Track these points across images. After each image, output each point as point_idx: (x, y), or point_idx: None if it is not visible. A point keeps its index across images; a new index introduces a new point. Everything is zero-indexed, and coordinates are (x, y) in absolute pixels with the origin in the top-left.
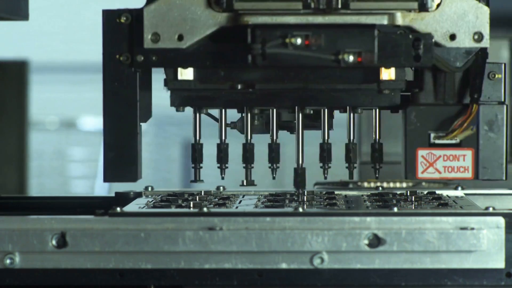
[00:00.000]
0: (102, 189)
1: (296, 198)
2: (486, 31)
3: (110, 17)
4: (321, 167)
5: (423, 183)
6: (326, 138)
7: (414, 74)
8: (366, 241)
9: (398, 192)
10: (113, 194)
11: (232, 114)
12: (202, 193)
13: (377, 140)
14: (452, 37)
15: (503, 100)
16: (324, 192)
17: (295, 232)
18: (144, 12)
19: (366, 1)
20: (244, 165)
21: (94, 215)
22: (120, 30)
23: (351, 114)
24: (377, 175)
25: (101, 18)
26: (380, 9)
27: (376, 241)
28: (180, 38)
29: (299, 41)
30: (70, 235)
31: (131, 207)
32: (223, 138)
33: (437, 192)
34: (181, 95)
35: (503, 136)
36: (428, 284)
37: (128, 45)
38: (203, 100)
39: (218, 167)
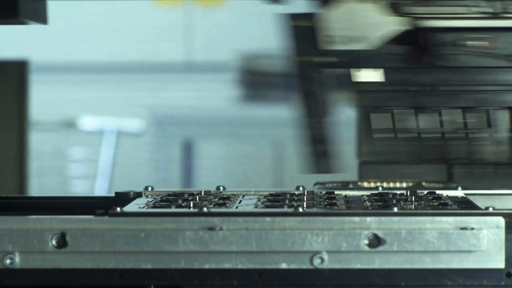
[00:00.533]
0: (102, 189)
1: (296, 198)
2: None
3: (292, 20)
4: None
5: (423, 183)
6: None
7: None
8: (366, 241)
9: (398, 192)
10: (113, 194)
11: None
12: (202, 193)
13: None
14: None
15: None
16: (324, 192)
17: (295, 232)
18: (324, 16)
19: None
20: None
21: (94, 215)
22: (302, 33)
23: None
24: None
25: (282, 22)
26: None
27: (376, 241)
28: (359, 41)
29: (481, 43)
30: (70, 235)
31: (131, 207)
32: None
33: (437, 192)
34: (366, 97)
35: None
36: (428, 284)
37: (310, 47)
38: (388, 101)
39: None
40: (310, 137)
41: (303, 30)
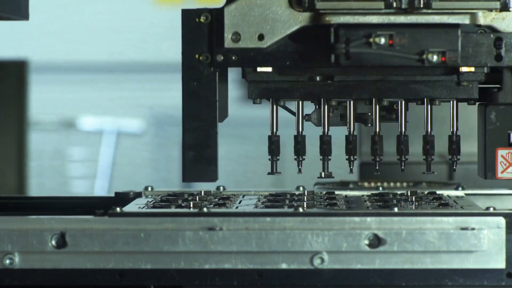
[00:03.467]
0: (102, 189)
1: (296, 198)
2: None
3: (189, 16)
4: (398, 159)
5: (424, 183)
6: (403, 130)
7: (490, 73)
8: (367, 241)
9: (399, 192)
10: (113, 194)
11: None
12: (202, 193)
13: (455, 133)
14: None
15: None
16: (324, 192)
17: (295, 232)
18: (224, 12)
19: (448, 1)
20: (321, 157)
21: (94, 215)
22: (200, 30)
23: (429, 107)
24: (454, 168)
25: (180, 18)
26: (462, 9)
27: (376, 241)
28: (261, 37)
29: (382, 40)
30: (70, 235)
31: (131, 207)
32: (300, 130)
33: (438, 192)
34: (259, 87)
35: None
36: (428, 284)
37: (208, 44)
38: (281, 92)
39: (295, 159)
40: (189, 143)
41: (197, 27)
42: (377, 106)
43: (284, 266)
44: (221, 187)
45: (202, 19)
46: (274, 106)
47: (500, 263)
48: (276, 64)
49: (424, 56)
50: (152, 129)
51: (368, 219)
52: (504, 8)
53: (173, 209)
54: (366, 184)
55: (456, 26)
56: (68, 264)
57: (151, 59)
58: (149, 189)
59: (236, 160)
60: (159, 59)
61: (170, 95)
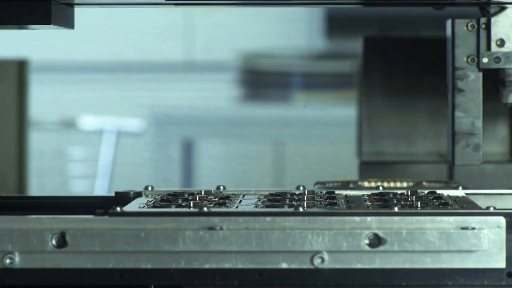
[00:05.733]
0: (102, 189)
1: (296, 198)
2: None
3: (459, 25)
4: None
5: (424, 183)
6: None
7: None
8: (367, 241)
9: (399, 191)
10: (113, 194)
11: None
12: (202, 193)
13: None
14: None
15: None
16: (324, 192)
17: (295, 231)
18: (491, 21)
19: None
20: None
21: (94, 215)
22: (467, 36)
23: None
24: None
25: (451, 26)
26: None
27: (376, 241)
28: None
29: None
30: (70, 235)
31: (131, 207)
32: None
33: (438, 191)
34: None
35: None
36: (428, 284)
37: (475, 49)
38: None
39: None
40: (458, 131)
41: (465, 34)
42: None
43: (284, 265)
44: (221, 187)
45: (470, 27)
46: None
47: (500, 263)
48: None
49: None
50: (152, 129)
51: (368, 218)
52: None
53: (173, 209)
54: (366, 184)
55: None
56: (68, 264)
57: (151, 59)
58: (149, 188)
59: (236, 160)
60: (159, 59)
61: (170, 95)
